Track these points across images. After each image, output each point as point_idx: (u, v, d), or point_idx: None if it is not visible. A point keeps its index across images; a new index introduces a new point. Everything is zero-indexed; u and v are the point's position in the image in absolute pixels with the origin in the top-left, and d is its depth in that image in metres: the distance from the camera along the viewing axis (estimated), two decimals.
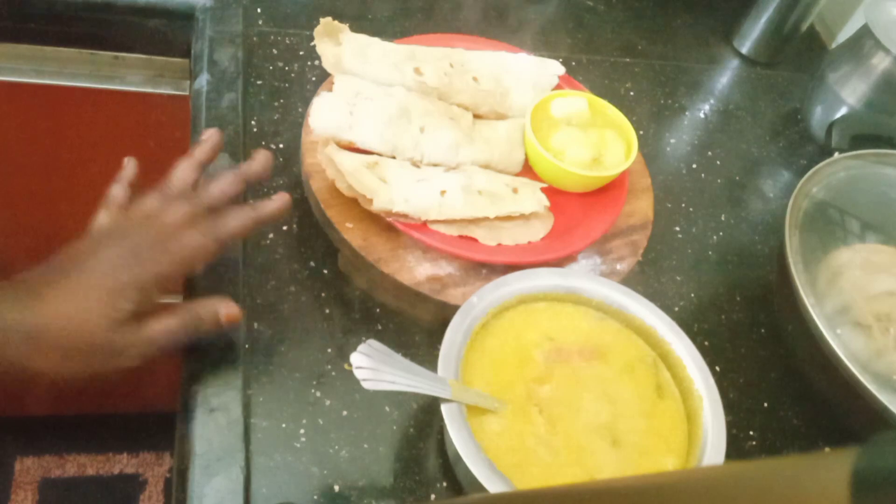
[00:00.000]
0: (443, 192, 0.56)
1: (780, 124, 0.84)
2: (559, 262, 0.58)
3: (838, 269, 0.59)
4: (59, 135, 0.83)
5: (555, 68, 0.68)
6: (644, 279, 0.65)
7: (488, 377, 0.48)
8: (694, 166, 0.76)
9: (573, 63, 0.81)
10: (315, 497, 0.47)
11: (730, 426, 0.48)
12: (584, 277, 0.53)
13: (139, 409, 1.25)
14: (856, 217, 0.63)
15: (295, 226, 0.59)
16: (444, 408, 0.44)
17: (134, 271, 0.44)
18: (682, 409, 0.49)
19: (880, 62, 0.75)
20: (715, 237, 0.71)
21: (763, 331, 0.65)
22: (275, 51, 0.71)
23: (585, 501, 0.29)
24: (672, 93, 0.82)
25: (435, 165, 0.59)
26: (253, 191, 0.60)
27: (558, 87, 0.67)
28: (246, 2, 0.73)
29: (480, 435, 0.44)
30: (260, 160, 0.51)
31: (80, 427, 1.31)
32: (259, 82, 0.68)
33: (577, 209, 0.61)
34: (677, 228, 0.70)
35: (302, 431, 0.50)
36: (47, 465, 1.28)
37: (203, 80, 0.65)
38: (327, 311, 0.56)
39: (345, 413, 0.51)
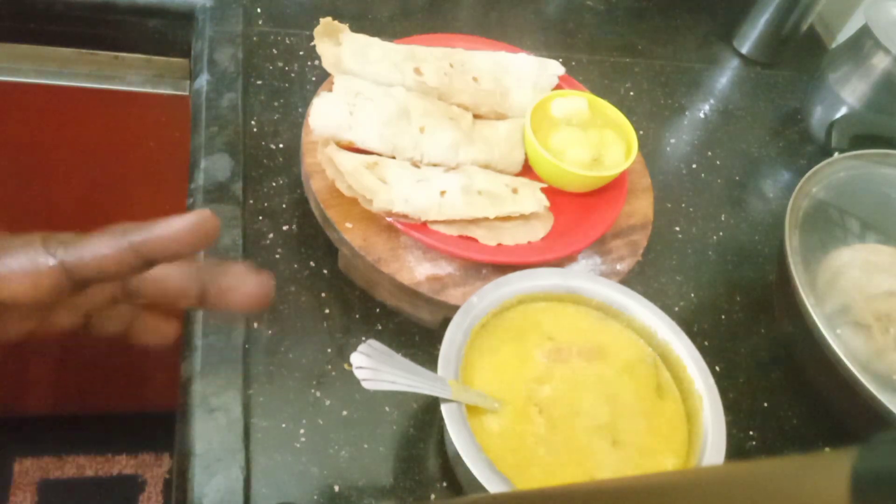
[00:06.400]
0: (442, 193, 0.56)
1: (780, 124, 0.84)
2: (559, 262, 0.58)
3: (838, 269, 0.59)
4: (59, 135, 0.83)
5: (555, 68, 0.67)
6: (644, 279, 0.65)
7: (488, 377, 0.48)
8: (694, 166, 0.76)
9: (573, 63, 0.81)
10: (315, 497, 0.47)
11: (730, 426, 0.48)
12: (584, 277, 0.53)
13: (138, 410, 1.25)
14: (856, 217, 0.63)
15: (295, 226, 0.59)
16: (443, 408, 0.44)
17: None
18: (683, 409, 0.49)
19: (880, 62, 0.75)
20: (715, 237, 0.71)
21: (763, 331, 0.65)
22: (275, 51, 0.71)
23: (585, 501, 0.29)
24: (672, 93, 0.82)
25: (435, 165, 0.59)
26: (254, 193, 0.60)
27: (558, 87, 0.67)
28: (246, 2, 0.73)
29: (480, 435, 0.44)
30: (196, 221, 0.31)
31: (79, 428, 1.31)
32: (259, 82, 0.68)
33: (577, 209, 0.61)
34: (677, 228, 0.70)
35: (302, 431, 0.50)
36: (46, 466, 1.28)
37: (203, 80, 0.65)
38: (327, 310, 0.56)
39: (345, 413, 0.51)
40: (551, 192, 0.60)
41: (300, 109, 0.66)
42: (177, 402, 0.51)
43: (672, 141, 0.78)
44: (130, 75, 0.78)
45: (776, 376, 0.62)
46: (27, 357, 1.11)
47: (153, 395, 1.20)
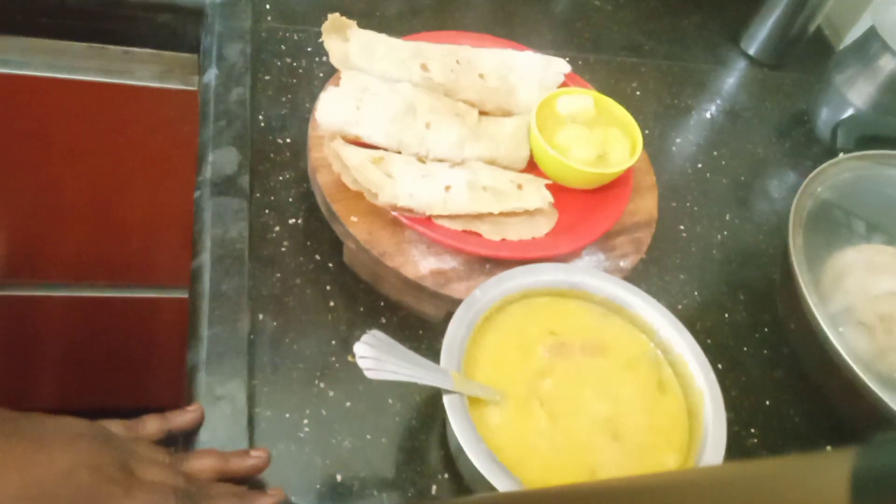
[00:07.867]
0: (447, 188, 0.56)
1: (787, 125, 0.84)
2: (563, 258, 0.58)
3: (842, 269, 0.59)
4: (69, 128, 0.83)
5: (561, 66, 0.68)
6: (648, 277, 0.65)
7: (490, 370, 0.48)
8: (699, 166, 0.76)
9: (580, 62, 0.81)
10: (317, 487, 0.48)
11: (731, 424, 0.48)
12: (587, 273, 0.53)
13: (143, 404, 1.26)
14: (860, 218, 0.63)
15: (301, 219, 0.60)
16: (446, 399, 0.44)
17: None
18: (684, 405, 0.50)
19: (887, 64, 0.75)
20: (719, 236, 0.71)
21: (766, 330, 0.65)
22: (283, 46, 0.71)
23: (586, 501, 0.29)
24: (678, 93, 0.82)
25: (440, 161, 0.59)
26: (261, 187, 0.61)
27: (564, 84, 0.68)
28: None
29: (482, 428, 0.45)
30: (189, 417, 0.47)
31: None
32: (267, 77, 0.68)
33: (582, 206, 0.61)
34: (682, 227, 0.70)
35: (305, 422, 0.50)
36: None
37: (212, 75, 0.66)
38: (332, 303, 0.56)
39: (348, 404, 0.51)
40: (556, 189, 0.61)
41: (307, 105, 0.67)
42: (180, 397, 0.51)
43: (678, 141, 0.78)
44: (140, 70, 0.79)
45: (779, 375, 0.62)
46: (30, 354, 1.11)
47: (157, 390, 1.21)
